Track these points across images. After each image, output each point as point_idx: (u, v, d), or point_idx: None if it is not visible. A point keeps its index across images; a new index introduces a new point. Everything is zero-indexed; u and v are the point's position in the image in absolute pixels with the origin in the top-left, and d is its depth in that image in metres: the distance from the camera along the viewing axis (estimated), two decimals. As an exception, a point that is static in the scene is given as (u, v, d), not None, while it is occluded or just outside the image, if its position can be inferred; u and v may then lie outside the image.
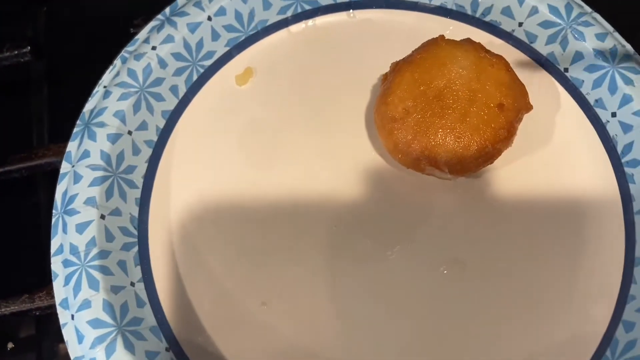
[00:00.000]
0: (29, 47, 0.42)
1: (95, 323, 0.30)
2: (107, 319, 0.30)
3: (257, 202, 0.36)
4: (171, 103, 0.38)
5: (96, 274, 0.31)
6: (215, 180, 0.36)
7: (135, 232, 0.34)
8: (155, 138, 0.37)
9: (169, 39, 0.37)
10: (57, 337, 0.38)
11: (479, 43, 0.35)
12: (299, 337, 0.33)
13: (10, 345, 0.39)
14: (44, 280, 0.37)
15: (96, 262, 0.32)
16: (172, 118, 0.38)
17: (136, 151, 0.36)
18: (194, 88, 0.38)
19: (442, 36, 0.35)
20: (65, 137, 0.37)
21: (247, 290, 0.34)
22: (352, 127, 0.37)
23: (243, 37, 0.39)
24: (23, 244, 0.39)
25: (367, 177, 0.36)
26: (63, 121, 0.43)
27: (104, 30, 0.44)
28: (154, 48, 0.37)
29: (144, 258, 0.34)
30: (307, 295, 0.34)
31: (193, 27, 0.38)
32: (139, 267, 0.34)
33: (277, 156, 0.37)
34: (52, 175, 0.38)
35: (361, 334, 0.33)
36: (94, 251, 0.32)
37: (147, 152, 0.36)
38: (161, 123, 0.37)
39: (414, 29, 0.39)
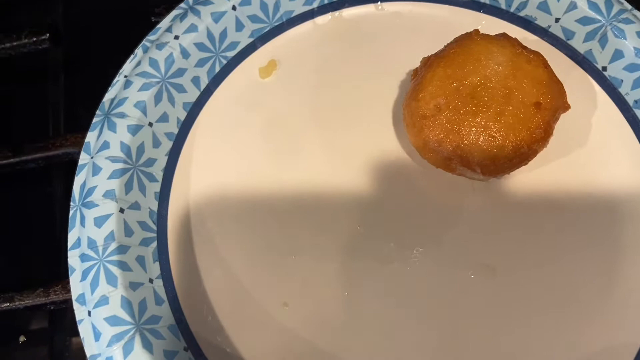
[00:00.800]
0: (48, 34, 0.41)
1: (113, 320, 0.29)
2: (125, 316, 0.29)
3: (280, 199, 0.35)
4: (193, 95, 0.36)
5: (114, 270, 0.30)
6: (237, 175, 0.35)
7: (155, 227, 0.33)
8: (176, 130, 0.36)
9: (192, 28, 0.36)
10: (70, 331, 0.37)
11: (515, 38, 0.33)
12: (320, 340, 0.32)
13: (22, 338, 0.39)
14: (59, 273, 0.36)
15: (115, 257, 0.31)
16: (194, 110, 0.36)
17: (156, 143, 0.35)
18: (216, 80, 0.37)
19: (476, 30, 0.34)
20: (82, 126, 0.36)
21: (269, 290, 0.33)
22: (379, 123, 0.36)
23: (268, 28, 0.38)
24: (38, 236, 0.38)
25: (393, 176, 0.35)
26: (80, 110, 0.42)
27: (124, 18, 0.43)
28: (176, 37, 0.36)
29: (162, 254, 0.33)
30: (330, 297, 0.32)
31: (217, 17, 0.36)
32: (157, 264, 0.33)
33: (300, 152, 0.36)
34: (68, 166, 0.37)
35: (385, 338, 0.32)
36: (113, 246, 0.31)
37: (167, 144, 0.35)
38: (182, 115, 0.36)
39: (445, 23, 0.38)
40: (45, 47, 0.41)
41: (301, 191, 0.35)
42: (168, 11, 0.38)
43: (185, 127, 0.36)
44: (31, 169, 0.38)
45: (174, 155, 0.35)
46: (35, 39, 0.41)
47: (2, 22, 0.44)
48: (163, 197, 0.34)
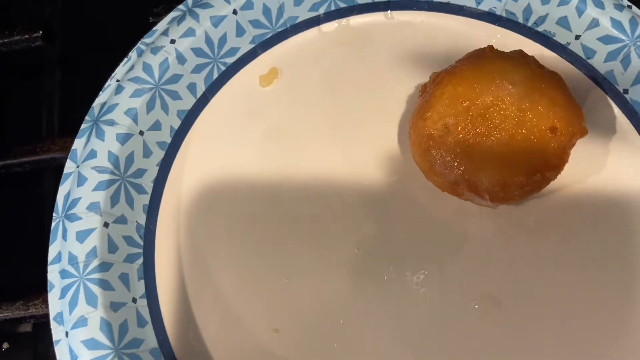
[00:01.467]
0: (41, 32, 0.39)
1: (91, 344, 0.28)
2: (103, 339, 0.28)
3: (275, 217, 0.33)
4: (188, 102, 0.35)
5: (95, 289, 0.29)
6: (231, 190, 0.34)
7: (141, 242, 0.32)
8: (168, 140, 0.34)
9: (189, 32, 0.34)
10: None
11: (532, 57, 0.31)
12: (311, 370, 0.30)
13: (5, 345, 0.37)
14: (42, 285, 0.34)
15: (96, 275, 0.29)
16: (188, 119, 0.35)
17: (147, 153, 0.33)
18: (213, 87, 0.35)
19: (490, 46, 0.31)
20: (76, 128, 0.34)
21: (259, 315, 0.31)
22: (383, 140, 0.34)
23: (270, 35, 0.36)
24: (23, 244, 0.36)
25: (396, 197, 0.33)
26: (74, 110, 0.40)
27: (122, 16, 0.41)
28: (172, 42, 0.34)
29: (148, 271, 0.31)
30: (323, 324, 0.31)
31: (217, 21, 0.34)
32: (142, 282, 0.31)
33: (299, 167, 0.34)
34: (57, 171, 0.36)
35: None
36: (94, 263, 0.29)
37: (159, 154, 0.33)
38: (176, 124, 0.34)
39: (458, 35, 0.35)
40: (38, 44, 0.39)
41: (298, 209, 0.33)
42: (167, 12, 0.36)
43: (179, 136, 0.34)
44: (18, 172, 0.36)
45: (165, 166, 0.34)
46: (27, 36, 0.39)
47: (-4, 17, 0.42)
48: (152, 210, 0.33)
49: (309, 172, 0.34)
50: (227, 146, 0.35)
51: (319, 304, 0.31)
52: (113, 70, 0.35)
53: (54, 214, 0.31)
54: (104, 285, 0.29)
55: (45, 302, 0.32)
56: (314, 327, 0.31)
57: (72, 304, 0.28)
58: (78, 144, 0.32)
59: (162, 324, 0.30)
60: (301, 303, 0.31)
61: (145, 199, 0.32)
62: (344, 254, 0.32)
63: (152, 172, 0.33)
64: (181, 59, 0.34)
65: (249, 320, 0.31)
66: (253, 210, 0.33)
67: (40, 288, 0.34)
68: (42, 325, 0.36)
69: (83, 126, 0.33)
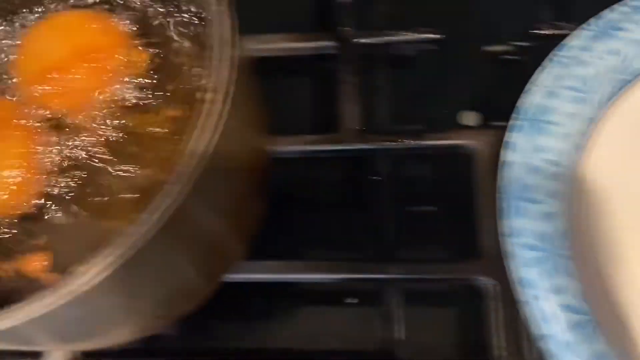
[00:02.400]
0: (440, 35, 0.44)
1: (568, 308, 0.33)
2: (582, 305, 0.33)
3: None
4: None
5: (567, 263, 0.34)
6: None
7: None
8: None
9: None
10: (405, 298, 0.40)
11: None
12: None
13: (351, 300, 0.43)
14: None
15: (566, 252, 0.34)
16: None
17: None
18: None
19: None
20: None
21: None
22: None
23: None
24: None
25: None
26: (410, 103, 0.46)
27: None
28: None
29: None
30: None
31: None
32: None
33: None
34: (457, 157, 0.42)
35: None
36: (560, 241, 0.34)
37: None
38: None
39: None
40: (431, 47, 0.45)
41: None
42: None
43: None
44: (430, 155, 0.42)
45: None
46: (423, 36, 0.45)
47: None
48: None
49: None
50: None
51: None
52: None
53: (500, 195, 0.36)
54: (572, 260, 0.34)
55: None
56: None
57: (545, 274, 0.34)
58: (517, 137, 0.37)
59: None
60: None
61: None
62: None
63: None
64: None
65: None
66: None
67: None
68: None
69: (514, 123, 0.38)
